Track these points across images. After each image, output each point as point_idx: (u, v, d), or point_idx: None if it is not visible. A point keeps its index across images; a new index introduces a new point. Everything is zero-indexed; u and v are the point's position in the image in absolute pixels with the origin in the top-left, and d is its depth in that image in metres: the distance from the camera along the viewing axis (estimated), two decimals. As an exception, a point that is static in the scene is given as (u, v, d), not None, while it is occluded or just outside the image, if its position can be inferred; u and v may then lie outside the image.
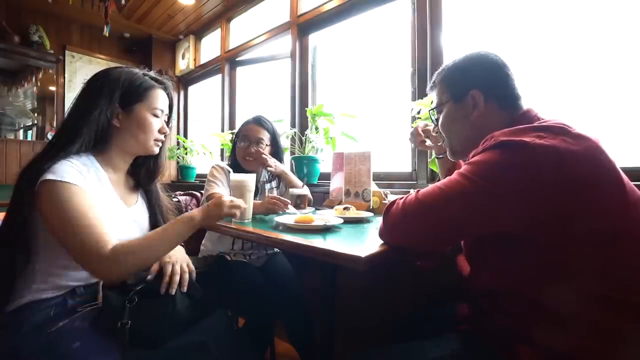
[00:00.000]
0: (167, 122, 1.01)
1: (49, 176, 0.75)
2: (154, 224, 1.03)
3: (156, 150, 0.99)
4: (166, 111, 1.00)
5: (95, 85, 0.89)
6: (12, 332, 0.76)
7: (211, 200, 0.91)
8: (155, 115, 0.95)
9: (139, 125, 0.92)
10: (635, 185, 0.66)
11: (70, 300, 0.81)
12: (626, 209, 0.62)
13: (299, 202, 1.32)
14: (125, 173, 1.00)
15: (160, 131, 0.97)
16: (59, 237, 0.76)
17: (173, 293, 0.83)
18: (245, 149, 1.46)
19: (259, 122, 1.51)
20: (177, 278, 0.85)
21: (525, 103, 0.80)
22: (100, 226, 0.76)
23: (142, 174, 1.04)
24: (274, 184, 1.59)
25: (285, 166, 1.57)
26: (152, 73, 0.98)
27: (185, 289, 0.86)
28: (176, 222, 0.85)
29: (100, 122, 0.86)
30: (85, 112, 0.85)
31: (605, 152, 0.64)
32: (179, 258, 0.91)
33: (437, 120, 0.91)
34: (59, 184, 0.75)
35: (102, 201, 0.85)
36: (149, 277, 0.84)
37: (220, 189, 1.37)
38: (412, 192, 0.74)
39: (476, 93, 0.79)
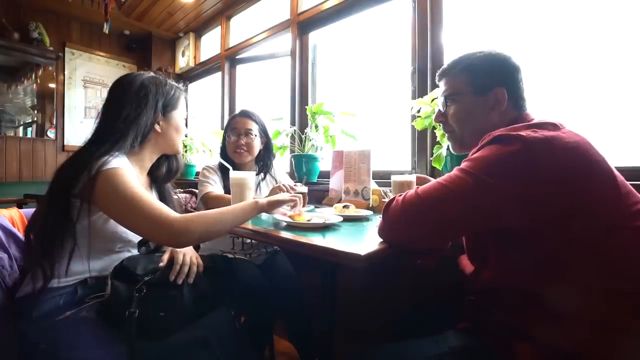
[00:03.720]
0: None
1: (107, 166, 0.81)
2: None
3: (181, 149, 1.10)
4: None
5: (137, 93, 0.95)
6: (22, 318, 0.77)
7: (277, 194, 0.99)
8: (184, 119, 1.07)
9: (176, 129, 1.03)
10: (632, 184, 0.68)
11: (81, 290, 0.82)
12: (619, 201, 0.64)
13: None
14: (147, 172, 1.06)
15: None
16: (125, 214, 0.80)
17: (180, 282, 0.86)
18: (235, 142, 1.46)
19: (245, 114, 1.52)
20: (186, 269, 0.88)
21: (528, 106, 0.83)
22: (160, 203, 0.82)
23: (162, 172, 1.10)
24: (268, 182, 1.60)
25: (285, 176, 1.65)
26: (173, 82, 1.08)
27: (191, 279, 0.89)
28: (245, 207, 0.90)
29: (146, 127, 0.95)
30: (135, 118, 0.93)
31: (595, 147, 0.66)
32: (188, 251, 0.93)
33: (445, 106, 0.88)
34: (118, 171, 0.82)
35: None
36: (161, 264, 0.86)
37: (214, 188, 1.37)
38: (412, 189, 0.74)
39: (501, 91, 0.80)
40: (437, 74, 0.91)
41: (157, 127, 0.98)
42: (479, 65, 0.83)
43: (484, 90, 0.81)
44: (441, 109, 0.90)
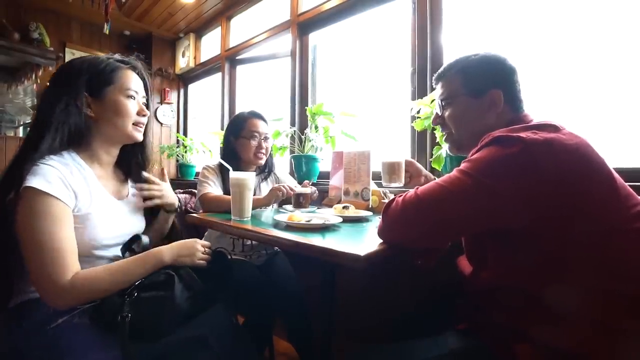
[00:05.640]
0: (146, 107, 0.96)
1: (31, 182, 0.73)
2: (150, 213, 1.05)
3: (138, 135, 0.94)
4: (142, 93, 0.94)
5: (58, 78, 0.86)
6: (13, 329, 0.76)
7: (185, 242, 0.89)
8: (130, 97, 0.90)
9: (114, 111, 0.87)
10: (632, 186, 0.68)
11: None
12: (619, 203, 0.64)
13: (302, 201, 1.32)
14: (114, 166, 0.98)
15: (139, 114, 0.92)
16: (23, 251, 0.74)
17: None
18: (257, 146, 1.47)
19: (263, 117, 1.53)
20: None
21: (526, 107, 0.83)
22: (65, 251, 0.74)
23: (132, 167, 1.02)
24: (269, 181, 1.61)
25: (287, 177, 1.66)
26: (117, 56, 0.93)
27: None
28: (143, 259, 0.83)
29: (71, 114, 0.83)
30: (51, 106, 0.82)
31: (595, 149, 0.66)
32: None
33: (442, 109, 0.90)
34: (38, 195, 0.73)
35: (88, 199, 0.84)
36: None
37: (213, 189, 1.37)
38: (412, 190, 0.74)
39: (497, 93, 0.80)
40: (433, 77, 0.93)
41: (88, 112, 0.85)
42: (474, 67, 0.84)
43: (479, 92, 0.82)
44: (438, 112, 0.91)
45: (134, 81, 0.92)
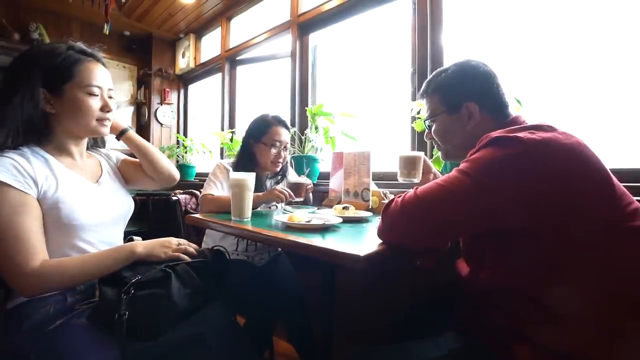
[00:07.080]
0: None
1: None
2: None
3: (104, 130, 0.90)
4: (108, 85, 0.89)
5: (13, 70, 0.81)
6: (12, 330, 0.76)
7: (161, 239, 0.90)
8: (92, 94, 0.85)
9: (75, 109, 0.83)
10: (629, 186, 0.69)
11: (70, 298, 0.81)
12: (616, 201, 0.64)
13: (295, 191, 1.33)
14: (86, 153, 0.98)
15: (102, 109, 0.88)
16: None
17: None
18: (276, 154, 1.44)
19: (287, 126, 1.50)
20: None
21: (512, 110, 0.86)
22: (28, 239, 0.73)
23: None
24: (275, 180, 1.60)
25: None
26: (79, 44, 0.87)
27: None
28: (116, 251, 0.83)
29: (26, 109, 0.79)
30: (4, 101, 0.78)
31: (590, 148, 0.67)
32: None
33: (429, 127, 0.95)
34: None
35: (53, 184, 0.82)
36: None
37: (218, 191, 1.36)
38: (411, 190, 0.74)
39: (471, 105, 0.83)
40: (418, 95, 0.97)
41: (47, 108, 0.81)
42: (446, 84, 0.87)
43: (455, 107, 0.85)
44: (427, 128, 0.96)
45: (96, 75, 0.86)
